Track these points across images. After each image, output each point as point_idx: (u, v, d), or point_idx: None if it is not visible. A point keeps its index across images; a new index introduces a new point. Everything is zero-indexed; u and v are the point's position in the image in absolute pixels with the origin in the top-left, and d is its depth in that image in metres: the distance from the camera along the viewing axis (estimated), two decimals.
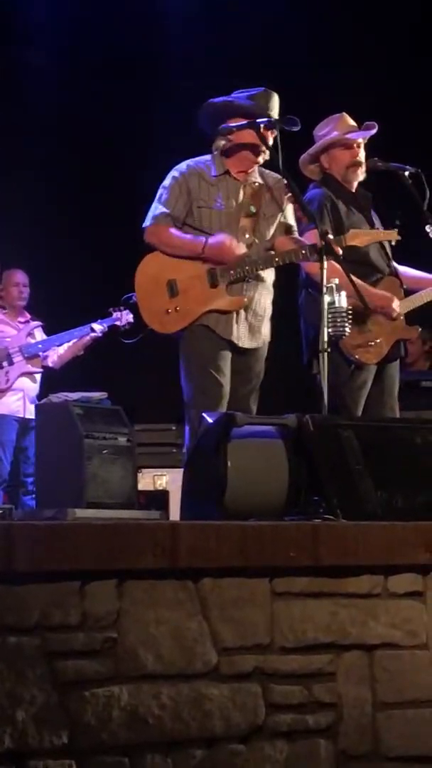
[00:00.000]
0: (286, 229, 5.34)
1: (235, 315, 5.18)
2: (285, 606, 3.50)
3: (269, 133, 5.19)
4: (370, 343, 5.45)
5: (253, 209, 5.26)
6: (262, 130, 5.16)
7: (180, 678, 3.33)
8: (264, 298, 5.29)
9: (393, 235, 5.48)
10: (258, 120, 5.15)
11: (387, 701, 3.57)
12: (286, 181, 5.13)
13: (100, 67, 8.58)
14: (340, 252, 5.07)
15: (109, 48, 8.59)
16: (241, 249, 5.14)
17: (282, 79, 5.40)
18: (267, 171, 5.35)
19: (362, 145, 5.65)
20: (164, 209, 5.21)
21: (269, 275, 5.30)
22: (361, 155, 5.62)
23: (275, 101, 5.25)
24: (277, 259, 5.19)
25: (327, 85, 8.06)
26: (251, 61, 7.92)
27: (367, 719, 3.55)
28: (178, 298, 5.13)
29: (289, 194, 5.28)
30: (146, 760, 3.26)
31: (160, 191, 5.27)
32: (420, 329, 5.83)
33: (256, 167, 5.29)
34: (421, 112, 8.29)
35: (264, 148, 5.19)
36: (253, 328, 5.24)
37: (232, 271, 5.14)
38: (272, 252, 5.24)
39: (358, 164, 5.59)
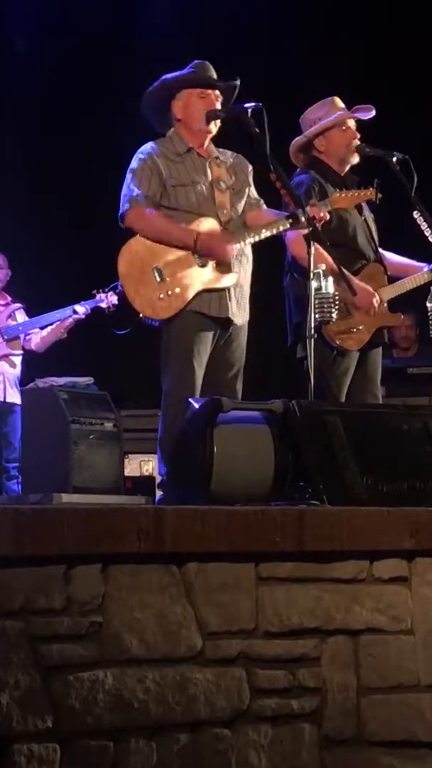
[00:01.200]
0: (256, 203, 5.34)
1: (226, 292, 5.17)
2: (270, 591, 3.50)
3: (215, 96, 5.23)
4: (352, 330, 5.45)
5: (223, 184, 5.26)
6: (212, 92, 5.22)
7: (165, 662, 3.34)
8: (247, 273, 5.29)
9: (372, 194, 5.45)
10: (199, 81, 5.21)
11: (371, 686, 3.58)
12: (273, 167, 5.11)
13: (83, 46, 8.54)
14: (327, 216, 5.11)
15: (94, 26, 8.55)
16: (230, 242, 5.13)
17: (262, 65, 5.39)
18: (223, 150, 5.36)
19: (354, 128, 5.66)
20: (139, 191, 5.16)
21: (249, 250, 5.29)
22: (357, 137, 5.62)
23: (211, 68, 5.28)
24: (264, 231, 5.17)
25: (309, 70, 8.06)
26: (233, 44, 7.95)
27: (351, 704, 3.56)
28: (168, 282, 5.10)
29: (251, 169, 5.33)
30: (131, 743, 3.27)
31: (129, 176, 5.22)
32: (402, 316, 5.83)
33: (211, 144, 5.31)
34: (401, 95, 8.27)
35: (214, 112, 5.20)
36: (240, 303, 5.24)
37: None
38: (258, 225, 5.22)
39: (354, 146, 5.58)
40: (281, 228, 5.16)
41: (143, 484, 6.93)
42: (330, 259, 5.11)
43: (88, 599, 3.27)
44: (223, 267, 5.16)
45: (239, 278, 5.20)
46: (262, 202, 5.36)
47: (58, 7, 8.56)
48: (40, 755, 3.15)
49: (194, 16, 8.50)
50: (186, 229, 5.13)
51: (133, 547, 3.31)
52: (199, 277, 5.12)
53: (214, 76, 5.30)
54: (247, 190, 5.33)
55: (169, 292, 5.09)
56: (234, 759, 3.38)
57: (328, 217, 5.15)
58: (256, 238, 5.19)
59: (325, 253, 5.09)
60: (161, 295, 5.08)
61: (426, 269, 5.68)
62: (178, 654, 3.36)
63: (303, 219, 5.01)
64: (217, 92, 5.26)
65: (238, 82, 5.26)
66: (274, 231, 5.17)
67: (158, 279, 5.09)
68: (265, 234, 5.16)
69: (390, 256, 5.76)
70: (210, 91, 5.25)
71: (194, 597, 3.40)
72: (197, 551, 3.41)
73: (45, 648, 3.20)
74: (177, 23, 8.41)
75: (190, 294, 5.11)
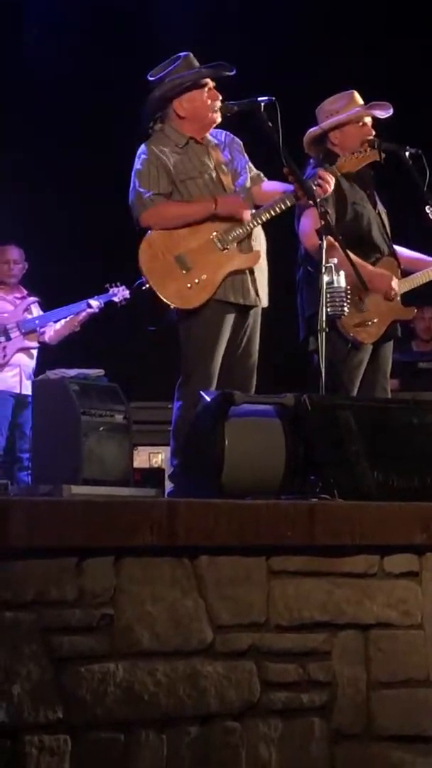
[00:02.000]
0: (257, 178, 5.36)
1: (250, 277, 5.16)
2: (281, 585, 3.51)
3: (210, 87, 5.24)
4: (367, 323, 5.45)
5: (225, 167, 5.27)
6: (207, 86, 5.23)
7: (175, 655, 3.34)
8: (263, 254, 5.30)
9: (376, 155, 5.44)
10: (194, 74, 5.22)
11: (381, 680, 3.59)
12: (285, 161, 5.10)
13: (97, 36, 8.53)
14: (332, 184, 5.20)
15: (109, 14, 8.54)
16: (245, 200, 5.15)
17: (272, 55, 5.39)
18: (213, 130, 5.36)
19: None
20: (149, 192, 5.15)
21: (262, 232, 5.30)
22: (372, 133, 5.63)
23: (194, 59, 5.28)
24: (274, 208, 5.17)
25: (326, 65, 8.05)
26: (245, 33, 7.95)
27: (361, 698, 3.56)
28: (194, 270, 5.07)
29: (242, 144, 5.35)
30: (141, 736, 3.28)
31: (136, 179, 5.20)
32: (424, 309, 5.84)
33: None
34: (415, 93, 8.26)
35: (217, 105, 5.23)
36: (263, 284, 5.24)
37: (238, 231, 5.13)
38: (264, 204, 5.23)
39: (369, 142, 5.58)
40: (289, 202, 5.18)
41: (152, 476, 6.92)
42: (342, 252, 5.11)
43: (99, 591, 3.27)
44: (246, 247, 5.16)
45: (259, 259, 5.21)
46: (262, 175, 5.38)
47: (58, 7, 8.57)
48: (51, 747, 3.16)
49: (201, 8, 8.50)
50: (202, 200, 5.13)
51: (145, 540, 3.31)
52: (224, 260, 5.12)
53: (197, 64, 5.30)
54: (246, 166, 5.35)
55: (197, 281, 5.07)
56: (244, 752, 3.39)
57: (332, 183, 5.21)
58: (268, 216, 5.20)
59: (338, 246, 5.08)
60: (189, 285, 5.06)
61: None
62: (189, 647, 3.36)
63: (310, 198, 5.03)
64: (211, 82, 5.27)
65: (234, 71, 5.25)
66: (284, 206, 5.18)
67: (183, 269, 5.07)
68: (277, 211, 5.17)
69: (403, 251, 5.76)
70: (209, 84, 5.25)
71: (205, 590, 3.41)
72: (209, 545, 3.42)
73: (56, 640, 3.21)
74: (180, 18, 8.41)
75: (219, 278, 5.09)
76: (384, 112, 5.63)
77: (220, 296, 5.10)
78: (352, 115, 5.60)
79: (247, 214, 5.16)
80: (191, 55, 5.29)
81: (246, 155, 5.39)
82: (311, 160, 5.65)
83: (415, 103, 8.02)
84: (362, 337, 5.45)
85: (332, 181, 5.24)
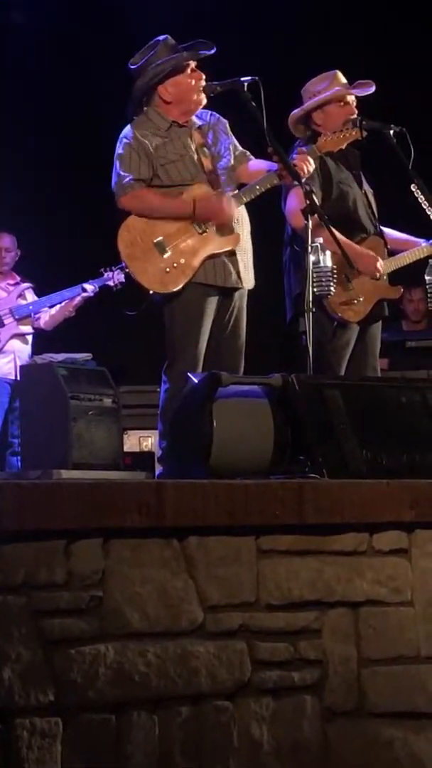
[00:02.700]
0: (243, 157, 5.36)
1: (230, 258, 5.16)
2: (271, 564, 3.51)
3: (192, 68, 5.25)
4: (353, 301, 5.45)
5: (206, 150, 5.27)
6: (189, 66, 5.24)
7: (166, 636, 3.34)
8: (247, 235, 5.30)
9: (358, 134, 5.43)
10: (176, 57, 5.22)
11: (372, 658, 3.59)
12: (270, 142, 5.10)
13: (87, 25, 8.50)
14: (313, 166, 5.16)
15: (98, 6, 8.51)
16: (227, 200, 5.13)
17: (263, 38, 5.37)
18: (200, 111, 5.36)
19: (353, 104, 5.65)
20: (129, 175, 5.17)
21: (246, 212, 5.30)
22: (355, 112, 5.61)
23: (172, 42, 5.27)
24: (258, 188, 5.19)
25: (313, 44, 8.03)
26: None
27: (352, 676, 3.57)
28: (172, 254, 5.11)
29: (227, 123, 5.36)
30: (133, 717, 3.28)
31: (117, 162, 5.22)
32: (412, 290, 5.84)
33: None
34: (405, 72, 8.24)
35: (201, 85, 5.22)
36: (247, 266, 5.25)
37: None
38: (248, 183, 5.23)
39: (352, 121, 5.57)
40: (272, 181, 5.17)
41: (142, 460, 6.93)
42: (327, 231, 5.10)
43: (89, 573, 3.27)
44: (225, 230, 5.16)
45: (241, 240, 5.20)
46: (248, 153, 5.37)
47: None
48: (42, 729, 3.16)
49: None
50: (181, 200, 5.14)
51: (134, 522, 3.31)
52: (203, 244, 5.13)
53: (176, 46, 5.28)
54: (230, 146, 5.34)
55: (175, 264, 5.10)
56: (236, 731, 3.39)
57: (312, 164, 5.19)
58: (251, 196, 5.20)
59: (324, 227, 5.08)
60: (167, 269, 5.09)
61: (425, 243, 5.69)
62: (179, 627, 3.36)
63: (294, 178, 5.02)
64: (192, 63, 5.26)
65: (214, 49, 5.24)
66: (266, 186, 5.18)
67: (161, 253, 5.10)
68: (259, 190, 5.18)
69: (389, 232, 5.76)
70: (191, 65, 5.24)
71: (195, 571, 3.41)
72: (198, 525, 3.41)
73: (46, 622, 3.21)
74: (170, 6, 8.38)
75: (197, 262, 5.11)
76: (362, 91, 5.63)
77: (201, 279, 5.12)
78: (330, 96, 5.60)
79: (229, 213, 5.13)
80: (169, 38, 5.28)
81: (232, 135, 5.39)
82: (298, 141, 5.64)
83: (404, 82, 8.05)
84: (348, 315, 5.45)
85: (311, 162, 5.22)
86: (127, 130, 5.27)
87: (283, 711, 3.46)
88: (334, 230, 5.14)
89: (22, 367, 7.01)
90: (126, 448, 6.70)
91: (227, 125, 5.39)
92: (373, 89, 5.63)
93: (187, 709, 3.35)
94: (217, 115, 5.39)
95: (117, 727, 3.26)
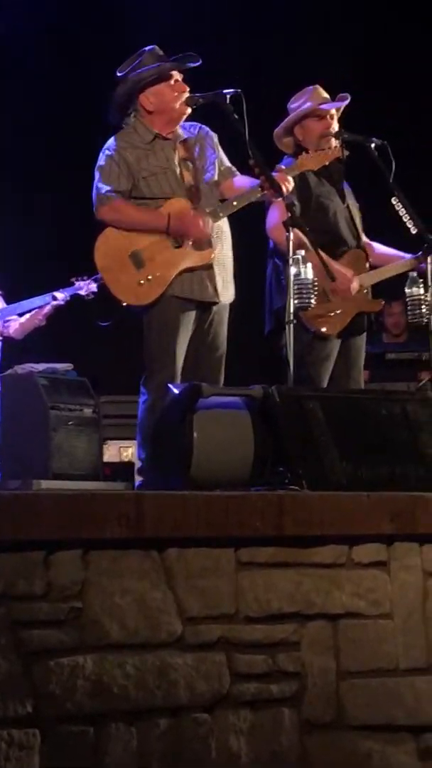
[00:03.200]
0: (228, 172, 5.36)
1: (207, 272, 5.17)
2: (250, 576, 3.51)
3: (178, 79, 5.25)
4: (329, 314, 5.45)
5: (190, 164, 5.27)
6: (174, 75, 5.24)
7: (145, 647, 3.34)
8: (228, 250, 5.30)
9: (339, 152, 5.45)
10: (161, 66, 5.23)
11: (351, 670, 3.59)
12: (251, 154, 5.10)
13: (64, 29, 8.49)
14: (292, 185, 5.15)
15: (84, 7, 8.51)
16: (203, 218, 5.13)
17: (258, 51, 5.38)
18: (187, 123, 5.37)
19: (335, 117, 5.66)
20: (108, 187, 5.18)
21: (227, 227, 5.30)
22: (334, 126, 5.63)
23: (160, 51, 5.28)
24: (235, 203, 5.19)
25: (302, 58, 8.04)
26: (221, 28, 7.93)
27: (331, 688, 3.56)
28: (147, 267, 5.12)
29: (216, 138, 5.35)
30: (111, 729, 3.27)
31: (97, 173, 5.23)
32: (392, 303, 5.85)
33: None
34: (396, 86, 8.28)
35: (184, 97, 5.23)
36: (226, 281, 5.25)
37: None
38: (228, 198, 5.24)
39: (331, 134, 5.59)
40: (251, 197, 5.17)
41: (122, 471, 6.91)
42: (309, 245, 5.12)
43: (68, 585, 3.27)
44: (202, 244, 5.17)
45: (219, 255, 5.21)
46: (234, 169, 5.37)
47: None
48: (20, 741, 3.15)
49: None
50: (157, 214, 5.14)
51: (113, 533, 3.31)
52: (178, 258, 5.13)
53: (163, 57, 5.29)
54: (215, 161, 5.34)
55: (149, 277, 5.10)
56: (214, 743, 3.39)
57: (292, 183, 5.19)
58: (229, 212, 5.20)
59: (305, 239, 5.10)
60: (141, 281, 5.10)
61: (409, 258, 5.70)
62: (158, 639, 3.36)
63: (276, 191, 5.03)
64: (178, 74, 5.27)
65: (200, 62, 5.26)
66: (245, 201, 5.18)
67: (136, 266, 5.11)
68: (236, 206, 5.18)
69: (377, 246, 5.78)
70: (175, 76, 5.25)
71: (174, 582, 3.41)
72: (177, 536, 3.41)
73: (25, 633, 3.20)
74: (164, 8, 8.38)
75: (171, 275, 5.11)
76: (335, 105, 5.65)
77: (177, 292, 5.12)
78: (305, 110, 5.64)
79: (203, 230, 5.12)
80: (157, 48, 5.29)
81: (220, 150, 5.38)
82: (284, 158, 5.67)
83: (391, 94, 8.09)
84: (325, 328, 5.46)
85: (290, 181, 5.21)
86: (110, 141, 5.28)
87: (261, 723, 3.46)
88: (315, 243, 5.15)
89: (2, 377, 6.99)
90: (106, 459, 6.69)
91: (215, 139, 5.38)
92: (347, 102, 5.67)
93: (166, 721, 3.34)
94: (206, 129, 5.38)
95: (95, 738, 3.25)
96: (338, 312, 5.47)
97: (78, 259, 6.24)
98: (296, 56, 8.13)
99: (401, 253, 5.74)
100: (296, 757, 3.49)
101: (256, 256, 5.63)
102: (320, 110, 5.63)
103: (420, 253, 5.53)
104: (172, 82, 5.25)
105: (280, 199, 5.10)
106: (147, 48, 5.28)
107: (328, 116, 5.64)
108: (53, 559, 3.26)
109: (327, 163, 5.57)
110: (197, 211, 5.17)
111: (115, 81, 5.32)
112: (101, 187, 5.20)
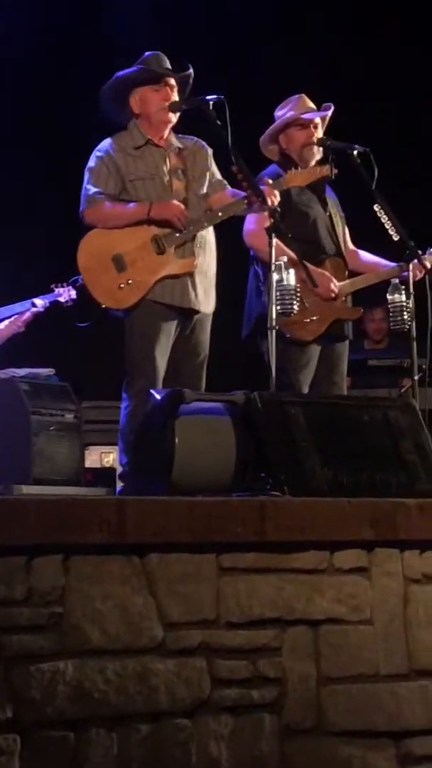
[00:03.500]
0: (219, 185, 5.36)
1: (189, 280, 5.17)
2: (231, 581, 3.51)
3: (170, 87, 5.26)
4: (305, 320, 5.46)
5: (181, 173, 5.28)
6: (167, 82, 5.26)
7: (126, 653, 3.34)
8: (211, 261, 5.31)
9: (328, 171, 5.46)
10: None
11: (331, 676, 3.60)
12: (234, 160, 5.11)
13: (64, 29, 8.48)
14: (278, 197, 5.13)
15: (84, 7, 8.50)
16: (184, 210, 5.15)
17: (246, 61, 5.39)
18: (183, 136, 5.39)
19: (319, 126, 5.67)
20: (96, 189, 5.20)
21: (212, 237, 5.30)
22: (318, 135, 5.64)
23: (164, 59, 5.31)
24: (220, 214, 5.21)
25: (291, 67, 8.05)
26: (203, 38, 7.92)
27: (311, 694, 3.57)
28: (128, 271, 5.12)
29: (211, 152, 5.36)
30: (91, 734, 3.27)
31: (87, 175, 5.25)
32: (362, 310, 5.86)
33: (171, 133, 5.34)
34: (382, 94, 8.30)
35: (172, 102, 5.24)
36: (207, 291, 5.25)
37: (177, 234, 5.14)
38: (213, 208, 5.24)
39: (313, 144, 5.61)
40: (236, 209, 5.18)
41: (104, 476, 6.90)
42: (290, 251, 5.13)
43: (49, 590, 3.26)
44: (184, 253, 5.17)
45: (202, 265, 5.21)
46: (225, 183, 5.38)
47: None
48: (0, 746, 3.15)
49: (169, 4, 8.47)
50: (140, 204, 5.15)
51: (95, 538, 3.31)
52: (160, 264, 5.13)
53: (168, 65, 5.31)
54: (207, 174, 5.34)
55: (130, 281, 5.10)
56: (194, 749, 3.39)
57: (278, 197, 5.18)
58: (214, 222, 5.21)
59: (284, 246, 5.11)
60: (121, 284, 5.10)
61: (392, 266, 5.71)
62: (139, 644, 3.36)
63: (260, 201, 5.03)
64: (172, 82, 5.27)
65: (191, 71, 5.28)
66: (230, 212, 5.19)
67: (118, 268, 5.11)
68: (221, 216, 5.19)
69: (363, 254, 5.80)
70: (164, 84, 5.26)
71: (156, 588, 3.41)
72: (159, 542, 3.41)
73: (5, 639, 3.20)
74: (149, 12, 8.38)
75: (152, 281, 5.12)
76: (318, 114, 5.67)
77: (157, 298, 5.13)
78: (286, 119, 5.67)
79: (181, 222, 5.13)
80: (160, 54, 5.30)
81: (213, 165, 5.38)
82: (271, 166, 5.68)
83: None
84: (301, 334, 5.46)
85: (276, 195, 5.20)
86: (104, 143, 5.31)
87: (242, 729, 3.46)
88: (296, 250, 5.16)
89: None
90: (87, 464, 6.67)
91: (210, 154, 5.38)
92: (330, 111, 5.70)
93: (146, 727, 3.34)
94: (202, 143, 5.39)
95: (75, 744, 3.25)
96: (314, 318, 5.48)
97: (60, 266, 6.23)
98: (285, 64, 8.15)
99: (388, 262, 5.75)
100: (276, 762, 3.49)
101: (239, 264, 5.63)
102: (303, 119, 5.65)
103: (402, 261, 5.55)
104: (158, 87, 5.25)
105: (266, 213, 5.10)
106: (151, 53, 5.29)
107: (311, 126, 5.65)
108: (34, 564, 3.26)
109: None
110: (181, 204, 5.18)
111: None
112: (90, 188, 5.22)
